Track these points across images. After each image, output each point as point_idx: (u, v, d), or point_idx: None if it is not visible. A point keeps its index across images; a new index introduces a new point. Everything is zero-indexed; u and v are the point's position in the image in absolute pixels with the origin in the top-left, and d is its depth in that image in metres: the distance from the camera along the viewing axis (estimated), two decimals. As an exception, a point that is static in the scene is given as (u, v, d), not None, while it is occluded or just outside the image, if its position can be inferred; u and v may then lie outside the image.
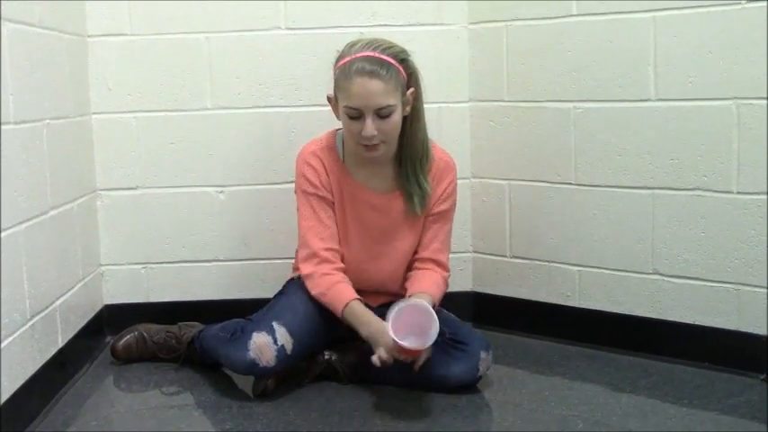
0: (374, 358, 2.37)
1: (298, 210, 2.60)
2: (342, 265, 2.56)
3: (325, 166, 2.57)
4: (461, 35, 3.07)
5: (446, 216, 2.63)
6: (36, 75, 2.48)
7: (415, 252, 2.64)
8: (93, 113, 3.02)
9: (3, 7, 2.21)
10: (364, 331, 2.44)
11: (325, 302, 2.51)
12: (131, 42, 3.01)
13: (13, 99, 2.27)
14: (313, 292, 2.53)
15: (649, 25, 2.66)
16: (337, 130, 2.60)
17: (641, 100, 2.70)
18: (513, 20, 2.95)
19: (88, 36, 2.99)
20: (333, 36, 2.91)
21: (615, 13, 2.73)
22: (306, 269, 2.56)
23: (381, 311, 2.61)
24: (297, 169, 2.60)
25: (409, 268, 2.66)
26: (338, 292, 2.50)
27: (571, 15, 2.82)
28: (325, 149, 2.59)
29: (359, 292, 2.64)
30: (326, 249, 2.55)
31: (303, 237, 2.58)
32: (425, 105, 2.56)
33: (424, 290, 2.53)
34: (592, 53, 2.79)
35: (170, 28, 3.01)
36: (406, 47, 2.51)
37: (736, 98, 2.53)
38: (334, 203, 2.58)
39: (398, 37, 2.54)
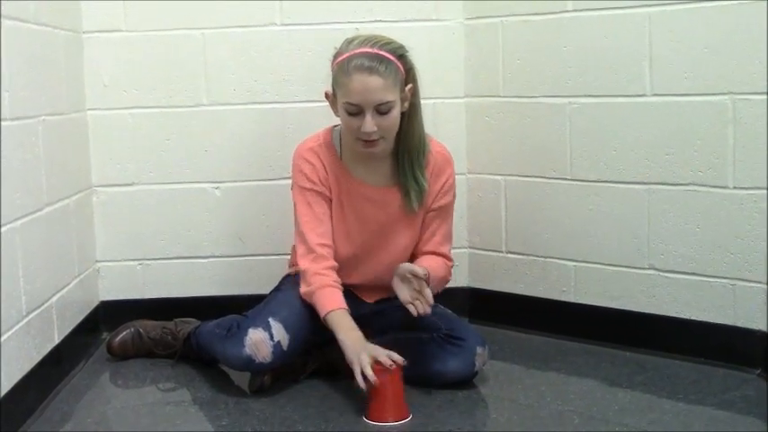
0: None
1: (294, 206, 2.59)
2: (335, 263, 2.55)
3: (323, 163, 2.57)
4: (457, 31, 3.07)
5: (446, 211, 2.63)
6: (31, 71, 2.48)
7: (416, 247, 2.63)
8: (89, 110, 3.02)
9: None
10: (341, 336, 2.39)
11: (312, 302, 2.50)
12: (127, 39, 3.00)
13: (8, 95, 2.26)
14: (302, 290, 2.52)
15: (645, 21, 2.66)
16: (334, 126, 2.59)
17: (637, 95, 2.71)
18: (509, 15, 2.95)
19: (83, 32, 2.98)
20: (328, 32, 2.90)
21: (611, 8, 2.73)
22: (303, 264, 2.55)
23: (378, 308, 2.63)
24: (294, 166, 2.59)
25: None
26: (326, 295, 2.48)
27: (566, 11, 2.82)
28: (322, 146, 2.58)
29: (356, 286, 2.64)
30: (321, 245, 2.54)
31: (301, 232, 2.56)
32: (422, 101, 2.56)
33: (422, 265, 2.50)
34: (587, 49, 2.79)
35: (165, 24, 3.00)
36: (402, 43, 2.51)
37: (731, 93, 2.53)
38: (330, 200, 2.58)
39: (394, 33, 2.53)
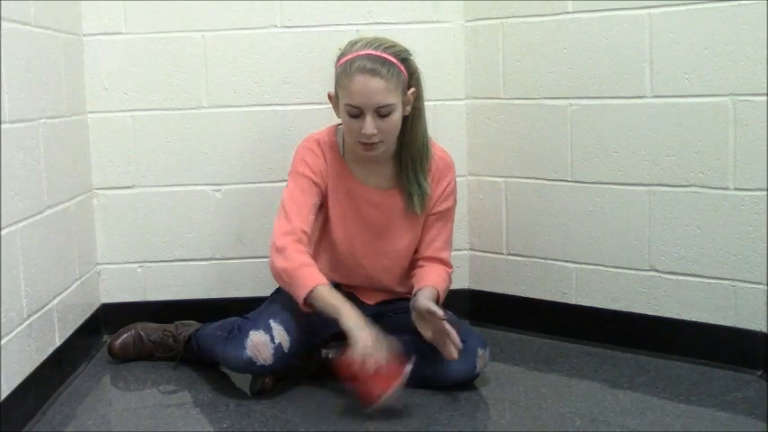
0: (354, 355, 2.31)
1: (286, 187, 2.56)
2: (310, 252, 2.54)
3: (326, 158, 2.57)
4: (457, 33, 3.07)
5: (447, 215, 2.64)
6: (32, 74, 2.48)
7: (417, 251, 2.64)
8: (89, 112, 3.01)
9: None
10: (340, 320, 2.37)
11: (287, 280, 2.45)
12: (127, 41, 3.00)
13: (8, 98, 2.26)
14: (278, 265, 2.46)
15: (645, 22, 2.66)
16: (338, 125, 2.60)
17: (637, 97, 2.71)
18: (509, 17, 2.95)
19: (84, 35, 2.98)
20: (329, 34, 2.91)
21: (611, 9, 2.73)
22: (280, 242, 2.48)
23: (378, 310, 2.62)
24: (297, 153, 2.59)
25: (411, 267, 2.65)
26: (306, 274, 2.44)
27: (567, 12, 2.82)
28: (326, 143, 2.59)
29: (356, 288, 2.64)
30: (304, 232, 2.51)
31: (286, 211, 2.52)
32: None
33: (430, 283, 2.52)
34: (588, 50, 2.79)
35: (166, 26, 3.00)
36: (406, 46, 2.50)
37: (732, 94, 2.53)
38: (323, 195, 2.57)
39: (394, 35, 2.54)
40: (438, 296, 2.50)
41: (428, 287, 2.50)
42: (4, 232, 2.21)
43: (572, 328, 2.92)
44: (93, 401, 2.56)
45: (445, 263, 2.64)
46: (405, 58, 2.46)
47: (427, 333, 2.43)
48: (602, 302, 2.86)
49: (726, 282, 2.61)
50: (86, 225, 2.97)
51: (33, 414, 2.37)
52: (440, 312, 2.38)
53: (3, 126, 2.22)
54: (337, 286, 2.55)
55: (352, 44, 2.46)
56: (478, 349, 2.51)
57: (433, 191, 2.59)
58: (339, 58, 2.47)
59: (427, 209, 2.60)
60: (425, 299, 2.43)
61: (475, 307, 3.13)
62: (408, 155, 2.55)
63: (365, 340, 2.30)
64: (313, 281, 2.42)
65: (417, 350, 2.48)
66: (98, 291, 3.07)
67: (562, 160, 2.89)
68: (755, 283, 2.55)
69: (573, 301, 2.93)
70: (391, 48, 2.45)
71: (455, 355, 2.40)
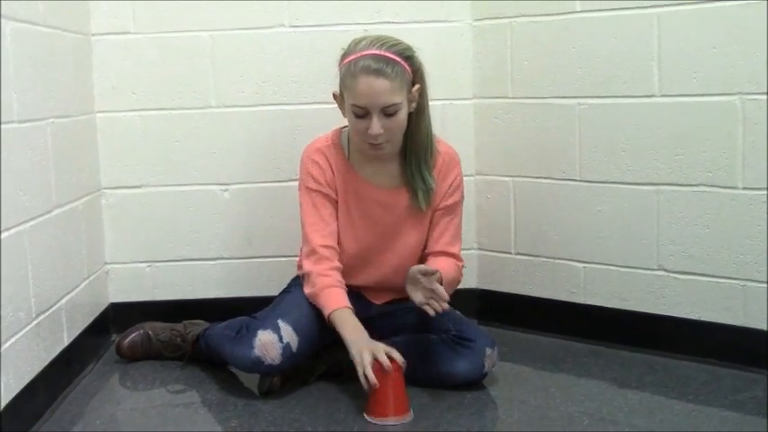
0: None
1: (300, 207, 2.60)
2: (338, 264, 2.55)
3: (330, 164, 2.57)
4: (465, 32, 3.07)
5: (454, 210, 2.63)
6: (40, 73, 2.48)
7: (426, 248, 2.63)
8: (98, 112, 3.02)
9: (6, 6, 2.21)
10: (345, 335, 2.40)
11: (316, 303, 2.50)
12: (135, 41, 3.01)
13: (16, 98, 2.27)
14: (306, 291, 2.53)
15: (653, 21, 2.66)
16: (342, 128, 2.60)
17: (645, 96, 2.70)
18: (517, 16, 2.95)
19: (92, 35, 2.99)
20: (337, 34, 2.91)
21: (619, 9, 2.72)
22: (306, 266, 2.56)
23: (386, 309, 2.63)
24: (302, 166, 2.60)
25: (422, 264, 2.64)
26: (330, 295, 2.48)
27: (575, 12, 2.82)
28: (330, 147, 2.58)
29: (364, 288, 2.64)
30: (325, 246, 2.54)
31: (305, 233, 2.58)
32: (430, 102, 2.56)
33: (437, 267, 2.50)
34: (596, 49, 2.79)
35: (174, 26, 3.01)
36: (410, 44, 2.50)
37: (740, 93, 2.52)
38: (336, 202, 2.58)
39: (402, 34, 2.53)
40: (440, 278, 2.47)
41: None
42: (12, 232, 2.21)
43: (580, 328, 2.92)
44: (102, 401, 2.56)
45: (455, 256, 2.62)
46: (409, 55, 2.46)
47: (418, 298, 2.39)
48: (611, 302, 2.86)
49: (734, 281, 2.61)
50: (95, 224, 2.98)
51: (42, 413, 2.38)
52: (429, 269, 2.36)
53: (11, 125, 2.23)
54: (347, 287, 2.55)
55: (356, 43, 2.46)
56: (487, 349, 2.51)
57: (439, 186, 2.59)
58: (343, 57, 2.46)
59: (433, 204, 2.60)
60: (420, 266, 2.41)
61: (483, 306, 3.12)
62: (412, 151, 2.54)
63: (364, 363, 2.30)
64: (330, 306, 2.46)
65: (424, 350, 2.48)
66: (106, 290, 3.08)
67: (570, 159, 2.88)
68: (764, 282, 2.54)
69: (581, 301, 2.93)
70: (395, 46, 2.44)
71: (438, 308, 2.37)
